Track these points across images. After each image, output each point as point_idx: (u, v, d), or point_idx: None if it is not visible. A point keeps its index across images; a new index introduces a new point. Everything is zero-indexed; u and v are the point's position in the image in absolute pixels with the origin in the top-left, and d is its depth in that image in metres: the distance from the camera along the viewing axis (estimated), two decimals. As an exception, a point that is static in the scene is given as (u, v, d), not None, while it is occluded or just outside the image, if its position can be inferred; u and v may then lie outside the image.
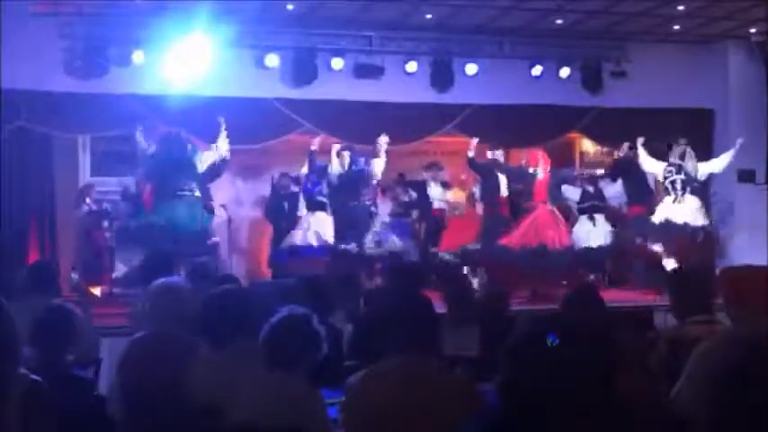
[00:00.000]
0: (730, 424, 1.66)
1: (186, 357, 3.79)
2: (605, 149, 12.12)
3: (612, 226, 10.38)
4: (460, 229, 10.88)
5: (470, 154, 10.15)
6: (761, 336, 1.75)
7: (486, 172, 10.22)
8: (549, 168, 10.18)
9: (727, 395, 1.66)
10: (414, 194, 11.17)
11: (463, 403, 3.02)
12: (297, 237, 9.72)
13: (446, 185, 11.08)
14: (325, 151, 10.05)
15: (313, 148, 9.84)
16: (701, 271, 4.38)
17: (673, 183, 9.84)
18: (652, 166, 10.16)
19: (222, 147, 9.20)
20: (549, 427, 2.01)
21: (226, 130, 9.21)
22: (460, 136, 10.94)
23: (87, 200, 10.27)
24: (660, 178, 10.10)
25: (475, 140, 10.21)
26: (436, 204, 11.17)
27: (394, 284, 5.67)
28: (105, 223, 10.19)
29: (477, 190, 10.84)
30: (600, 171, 11.54)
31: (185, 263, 6.73)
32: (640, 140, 10.13)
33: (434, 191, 10.84)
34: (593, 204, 10.40)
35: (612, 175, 10.78)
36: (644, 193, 10.54)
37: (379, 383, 3.20)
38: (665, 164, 9.98)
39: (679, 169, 9.83)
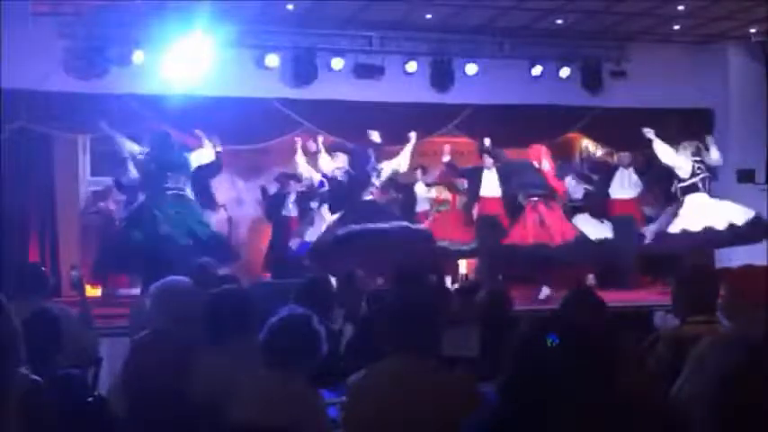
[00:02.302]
0: (730, 423, 1.66)
1: (189, 356, 3.80)
2: (605, 149, 12.11)
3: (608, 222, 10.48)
4: (443, 227, 10.87)
5: (446, 159, 10.07)
6: (760, 336, 1.75)
7: (470, 174, 10.18)
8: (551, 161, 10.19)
9: (727, 395, 1.66)
10: (400, 195, 11.21)
11: (463, 403, 3.02)
12: (306, 234, 9.82)
13: (431, 184, 11.10)
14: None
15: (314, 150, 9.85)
16: (704, 271, 4.37)
17: (704, 180, 9.40)
18: (675, 160, 9.40)
19: (208, 149, 9.10)
20: (549, 426, 2.01)
21: (206, 134, 9.08)
22: (461, 136, 10.95)
23: (109, 200, 10.32)
24: (686, 174, 9.42)
25: (447, 147, 10.13)
26: (420, 204, 11.13)
27: (398, 286, 5.66)
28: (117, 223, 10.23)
29: (463, 188, 10.81)
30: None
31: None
32: (650, 132, 9.45)
33: (420, 190, 10.88)
34: (592, 203, 10.57)
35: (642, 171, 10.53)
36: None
37: (379, 383, 3.20)
38: (691, 159, 9.44)
39: (706, 167, 9.43)
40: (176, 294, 4.08)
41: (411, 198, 11.01)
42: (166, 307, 4.04)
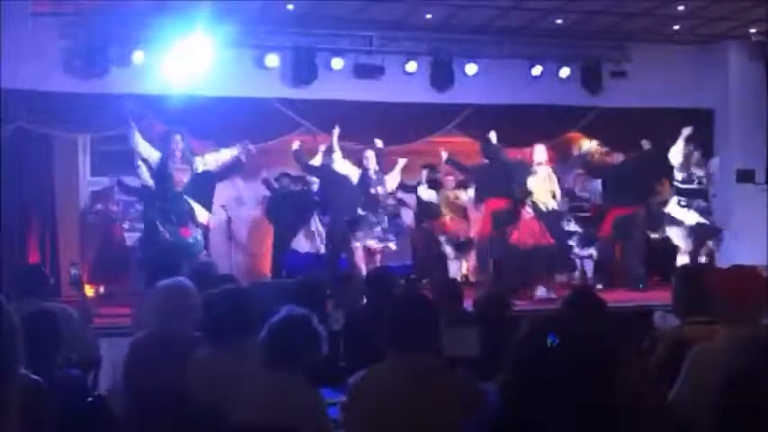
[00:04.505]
0: (730, 424, 1.66)
1: (190, 356, 3.81)
2: (605, 149, 12.10)
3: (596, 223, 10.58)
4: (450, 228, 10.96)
5: (445, 156, 10.30)
6: (760, 338, 1.76)
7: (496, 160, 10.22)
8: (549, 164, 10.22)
9: (727, 395, 1.66)
10: (408, 196, 11.22)
11: (464, 403, 3.03)
12: (303, 242, 9.86)
13: (435, 186, 11.10)
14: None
15: (295, 148, 9.96)
16: (705, 271, 4.37)
17: (689, 189, 9.80)
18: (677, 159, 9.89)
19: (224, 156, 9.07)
20: (549, 426, 2.01)
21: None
22: (461, 136, 10.95)
23: (109, 200, 10.30)
24: (679, 177, 9.90)
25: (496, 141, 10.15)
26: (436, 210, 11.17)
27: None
28: (126, 225, 10.22)
29: (469, 192, 10.83)
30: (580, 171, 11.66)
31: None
32: (646, 144, 10.12)
33: (424, 192, 10.87)
34: (576, 205, 10.74)
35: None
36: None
37: (380, 383, 3.20)
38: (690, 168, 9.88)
39: (697, 177, 9.82)
40: (181, 296, 4.10)
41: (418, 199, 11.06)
42: (171, 307, 4.06)
